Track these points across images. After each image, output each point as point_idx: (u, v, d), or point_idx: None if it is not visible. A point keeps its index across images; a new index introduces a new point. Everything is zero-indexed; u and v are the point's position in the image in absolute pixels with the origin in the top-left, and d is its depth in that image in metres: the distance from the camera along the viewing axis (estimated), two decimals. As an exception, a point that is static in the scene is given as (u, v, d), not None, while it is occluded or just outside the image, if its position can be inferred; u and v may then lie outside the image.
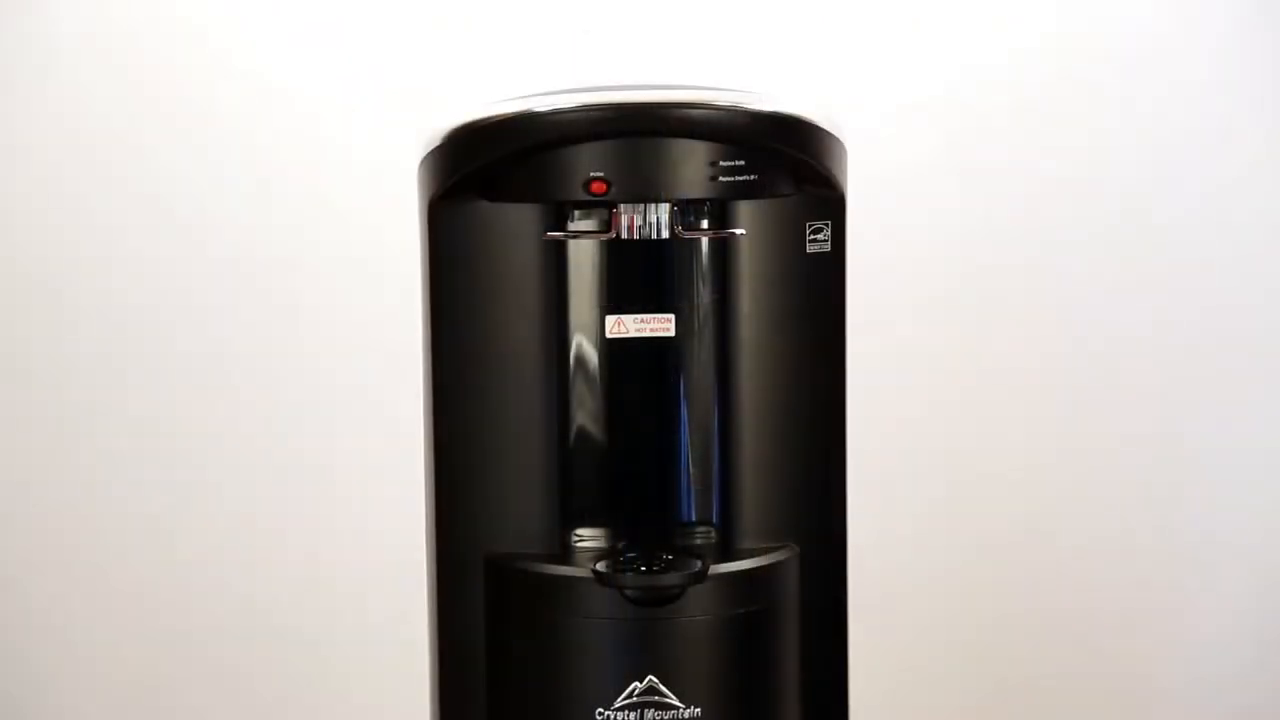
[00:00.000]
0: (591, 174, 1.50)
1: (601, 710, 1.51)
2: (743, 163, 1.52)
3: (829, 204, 1.57)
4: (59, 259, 2.51)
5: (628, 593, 1.51)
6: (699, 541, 1.60)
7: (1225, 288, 2.50)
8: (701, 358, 1.59)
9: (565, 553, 1.59)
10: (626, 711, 1.51)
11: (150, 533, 2.55)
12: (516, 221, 1.56)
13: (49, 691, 2.57)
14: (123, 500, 2.54)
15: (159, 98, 2.48)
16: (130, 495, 2.54)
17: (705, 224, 1.57)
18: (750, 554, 1.59)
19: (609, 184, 1.50)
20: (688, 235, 1.56)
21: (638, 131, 1.51)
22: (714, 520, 1.61)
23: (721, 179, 1.51)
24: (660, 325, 1.58)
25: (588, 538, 1.60)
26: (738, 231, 1.56)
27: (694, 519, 1.61)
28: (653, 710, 1.51)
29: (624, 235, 1.55)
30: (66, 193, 2.50)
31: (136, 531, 2.55)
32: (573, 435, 1.59)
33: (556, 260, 1.57)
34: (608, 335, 1.58)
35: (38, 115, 2.50)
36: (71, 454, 2.54)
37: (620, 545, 1.59)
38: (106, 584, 2.56)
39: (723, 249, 1.58)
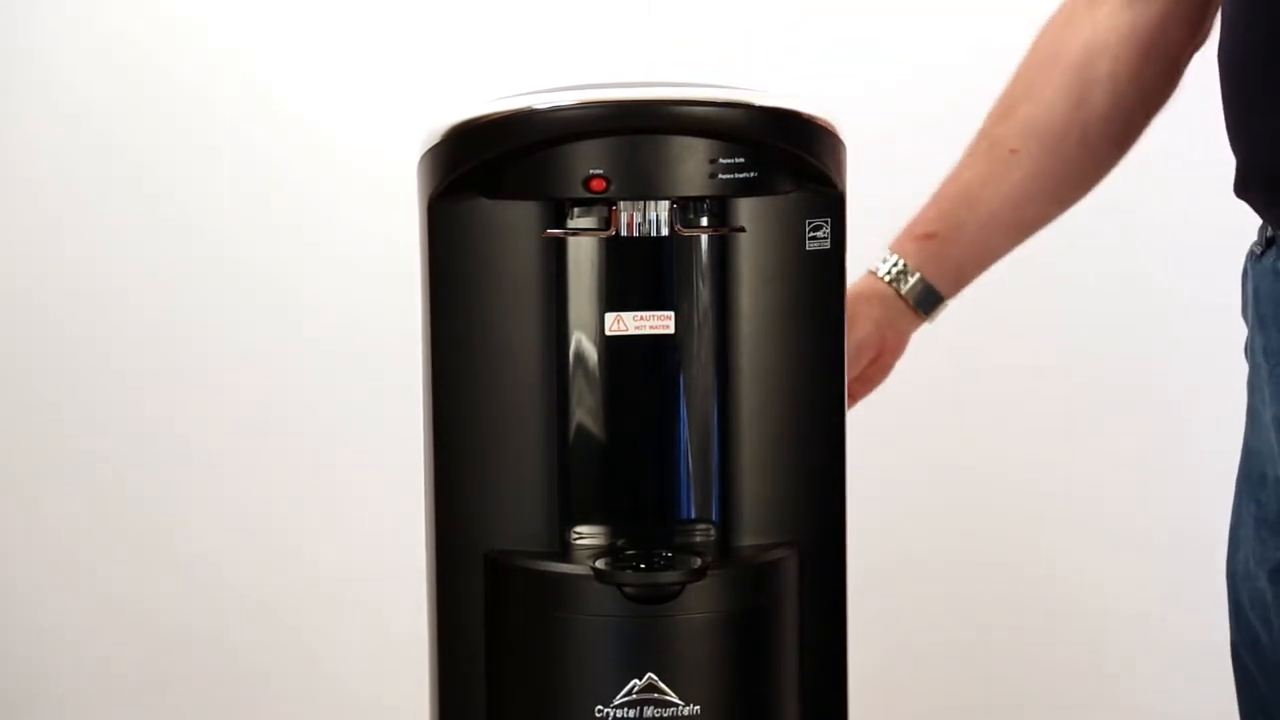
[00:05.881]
0: (591, 171, 1.50)
1: (601, 708, 1.51)
2: (742, 160, 1.52)
3: (828, 201, 1.57)
4: (59, 260, 2.52)
5: (627, 590, 1.51)
6: (698, 539, 1.60)
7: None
8: (701, 355, 1.59)
9: (564, 550, 1.59)
10: (625, 709, 1.51)
11: (149, 532, 2.55)
12: (516, 219, 1.56)
13: (47, 693, 2.57)
14: (122, 498, 2.55)
15: (158, 97, 2.49)
16: (129, 494, 2.55)
17: (705, 221, 1.57)
18: (750, 552, 1.59)
19: (608, 181, 1.50)
20: (687, 233, 1.56)
21: (637, 129, 1.51)
22: (713, 518, 1.61)
23: (721, 176, 1.51)
24: (660, 323, 1.58)
25: (587, 535, 1.60)
26: (740, 228, 1.56)
27: (693, 516, 1.61)
28: (652, 708, 1.51)
29: (623, 233, 1.55)
30: (65, 194, 2.50)
31: (136, 531, 2.55)
32: (572, 433, 1.59)
33: (556, 258, 1.57)
34: (607, 333, 1.57)
35: (34, 116, 2.51)
36: (71, 455, 2.54)
37: (619, 543, 1.58)
38: (107, 585, 2.56)
39: (722, 246, 1.58)
